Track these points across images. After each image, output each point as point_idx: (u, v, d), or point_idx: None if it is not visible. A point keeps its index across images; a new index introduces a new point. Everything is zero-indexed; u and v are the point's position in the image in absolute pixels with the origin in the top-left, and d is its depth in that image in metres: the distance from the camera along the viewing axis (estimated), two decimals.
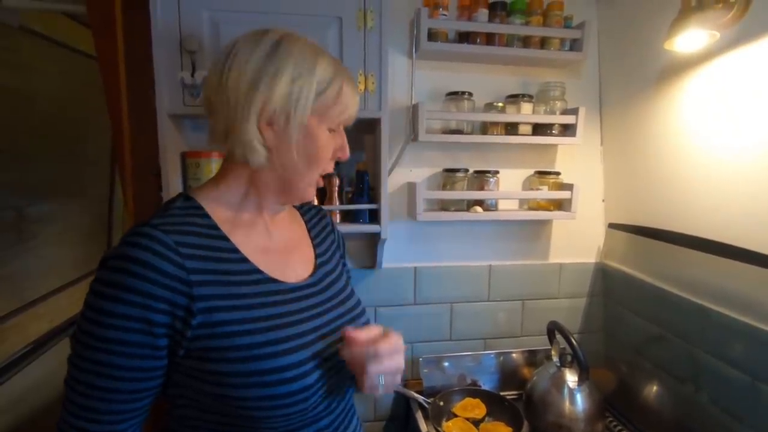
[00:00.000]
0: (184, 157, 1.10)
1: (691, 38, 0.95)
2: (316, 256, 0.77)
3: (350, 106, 0.67)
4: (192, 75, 1.00)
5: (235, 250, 0.63)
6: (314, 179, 0.68)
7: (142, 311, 0.54)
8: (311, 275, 0.72)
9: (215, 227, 0.63)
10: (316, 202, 1.19)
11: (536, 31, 1.27)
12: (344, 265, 0.85)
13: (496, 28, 1.25)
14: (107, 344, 0.54)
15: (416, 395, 1.28)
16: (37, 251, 1.41)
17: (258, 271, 0.64)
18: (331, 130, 0.67)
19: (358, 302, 0.78)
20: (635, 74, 1.27)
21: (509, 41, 1.29)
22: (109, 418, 0.56)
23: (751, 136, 0.94)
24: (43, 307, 1.44)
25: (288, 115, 0.62)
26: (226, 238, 0.63)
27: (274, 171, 0.65)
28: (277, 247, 0.70)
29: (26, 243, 1.36)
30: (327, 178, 1.20)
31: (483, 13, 1.24)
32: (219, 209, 0.66)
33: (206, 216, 0.64)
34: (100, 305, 0.54)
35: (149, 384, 0.58)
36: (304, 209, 0.85)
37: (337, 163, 1.22)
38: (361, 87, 1.09)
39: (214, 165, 1.09)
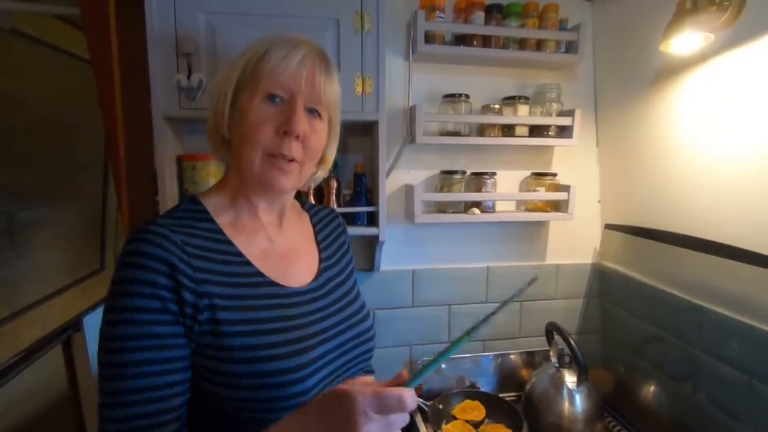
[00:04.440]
0: (180, 160, 1.09)
1: (686, 40, 0.96)
2: (321, 261, 0.76)
3: (280, 65, 0.61)
4: (188, 78, 0.99)
5: (239, 254, 0.64)
6: (253, 157, 0.62)
7: (160, 302, 0.54)
8: (314, 280, 0.72)
9: (219, 231, 0.64)
10: (314, 201, 1.18)
11: (532, 34, 1.28)
12: (352, 268, 0.85)
13: (492, 30, 1.25)
14: (136, 341, 0.53)
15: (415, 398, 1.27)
16: (29, 257, 1.38)
17: (260, 274, 0.65)
18: (272, 101, 0.62)
19: (362, 306, 0.77)
20: (630, 76, 1.28)
21: (505, 43, 1.29)
22: (159, 420, 0.54)
23: (746, 137, 0.95)
24: (36, 313, 1.42)
25: (222, 97, 0.64)
26: (229, 242, 0.64)
27: (235, 162, 0.67)
28: (279, 252, 0.70)
29: (18, 248, 1.34)
30: (324, 179, 1.19)
31: (479, 15, 1.24)
32: (222, 213, 0.67)
33: (211, 220, 0.65)
34: (123, 304, 0.54)
35: (187, 374, 0.57)
36: (313, 211, 0.84)
37: (335, 166, 1.22)
38: (359, 89, 1.08)
39: (211, 168, 1.08)
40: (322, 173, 0.76)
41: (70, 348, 1.58)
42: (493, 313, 0.53)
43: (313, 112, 0.65)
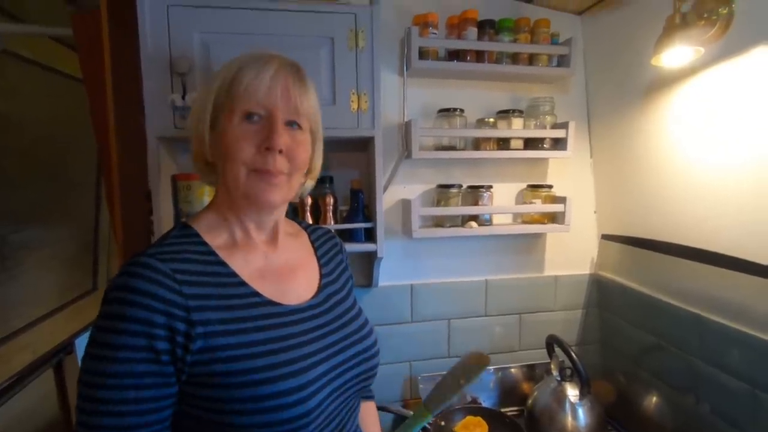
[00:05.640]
0: (174, 179, 1.08)
1: (676, 54, 0.97)
2: (322, 276, 0.75)
3: (253, 84, 0.62)
4: (183, 97, 0.99)
5: (233, 275, 0.63)
6: (238, 173, 0.62)
7: (147, 340, 0.53)
8: (315, 296, 0.71)
9: (212, 253, 0.63)
10: (310, 222, 1.18)
11: (524, 48, 1.29)
12: (352, 285, 0.84)
13: (485, 45, 1.27)
14: (116, 379, 0.52)
15: None
16: (21, 279, 1.36)
17: (256, 294, 0.64)
18: (251, 120, 0.62)
19: (366, 322, 0.76)
20: (621, 88, 1.29)
21: (498, 58, 1.31)
22: None
23: (737, 147, 0.96)
24: (27, 337, 1.39)
25: (202, 120, 0.65)
26: (223, 263, 0.63)
27: (221, 183, 0.67)
28: (276, 269, 0.69)
29: (10, 271, 1.32)
30: (321, 196, 1.19)
31: (472, 31, 1.26)
32: (215, 235, 0.66)
33: (203, 243, 0.64)
34: (105, 340, 0.53)
35: (165, 414, 0.57)
36: (310, 229, 0.84)
37: (331, 182, 1.22)
38: (354, 106, 1.09)
39: (206, 187, 1.07)
40: (311, 183, 0.76)
41: (62, 371, 1.54)
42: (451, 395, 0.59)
43: (293, 124, 0.66)
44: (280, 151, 0.63)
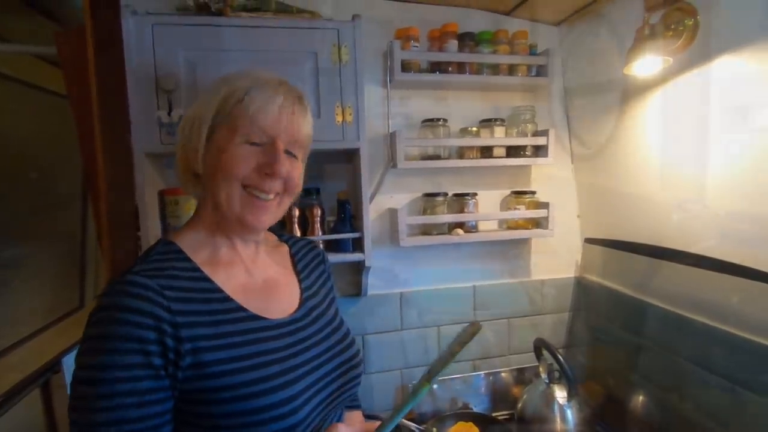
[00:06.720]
0: (162, 194, 1.09)
1: (647, 63, 1.01)
2: (302, 290, 0.76)
3: (261, 111, 0.63)
4: (169, 114, 1.00)
5: (218, 290, 0.64)
6: (232, 192, 0.63)
7: (144, 357, 0.53)
8: (297, 310, 0.72)
9: (196, 269, 0.64)
10: (299, 233, 1.19)
11: (504, 59, 1.33)
12: (334, 296, 0.85)
13: (465, 57, 1.30)
14: (116, 399, 0.51)
15: (409, 423, 1.26)
16: (9, 297, 1.34)
17: (242, 309, 0.64)
18: (253, 143, 0.64)
19: (347, 333, 0.77)
20: (598, 96, 1.33)
21: (479, 69, 1.34)
22: None
23: (710, 150, 1.00)
24: (14, 356, 1.37)
25: (197, 133, 0.65)
26: (208, 279, 0.64)
27: (209, 198, 0.67)
28: (258, 284, 0.70)
29: None
30: (308, 207, 1.20)
31: (453, 43, 1.29)
32: (198, 250, 0.66)
33: (187, 259, 0.64)
34: (99, 362, 0.52)
35: (168, 428, 0.56)
36: (291, 241, 0.84)
37: (318, 193, 1.24)
38: (339, 118, 1.11)
39: (193, 202, 1.08)
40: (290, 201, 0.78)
41: (49, 390, 1.52)
42: (448, 361, 0.61)
43: (290, 153, 0.68)
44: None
